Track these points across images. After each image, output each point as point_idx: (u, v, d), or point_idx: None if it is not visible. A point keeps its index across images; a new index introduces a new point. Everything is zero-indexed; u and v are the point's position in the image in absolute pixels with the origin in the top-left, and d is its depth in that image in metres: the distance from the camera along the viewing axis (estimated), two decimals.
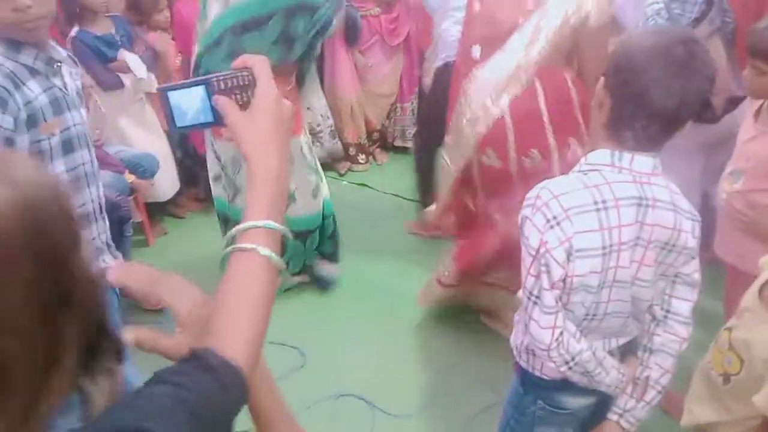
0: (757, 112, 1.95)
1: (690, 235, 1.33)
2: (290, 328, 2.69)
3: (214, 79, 0.85)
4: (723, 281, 2.25)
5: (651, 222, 1.30)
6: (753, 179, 1.91)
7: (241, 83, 0.85)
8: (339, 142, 4.49)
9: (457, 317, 2.89)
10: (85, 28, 3.31)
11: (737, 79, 2.33)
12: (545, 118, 2.29)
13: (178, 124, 0.87)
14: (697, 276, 1.39)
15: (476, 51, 2.31)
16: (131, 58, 3.38)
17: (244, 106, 0.85)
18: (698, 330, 1.44)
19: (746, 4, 2.29)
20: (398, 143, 4.72)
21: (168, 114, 0.87)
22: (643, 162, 1.31)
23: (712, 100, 2.31)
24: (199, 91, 0.85)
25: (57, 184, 0.65)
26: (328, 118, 4.35)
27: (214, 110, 0.85)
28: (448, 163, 2.46)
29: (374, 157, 4.72)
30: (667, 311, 1.41)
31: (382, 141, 4.78)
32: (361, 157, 4.61)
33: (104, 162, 3.15)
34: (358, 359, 2.70)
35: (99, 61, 3.31)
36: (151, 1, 3.70)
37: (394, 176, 4.24)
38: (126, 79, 3.40)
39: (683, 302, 1.40)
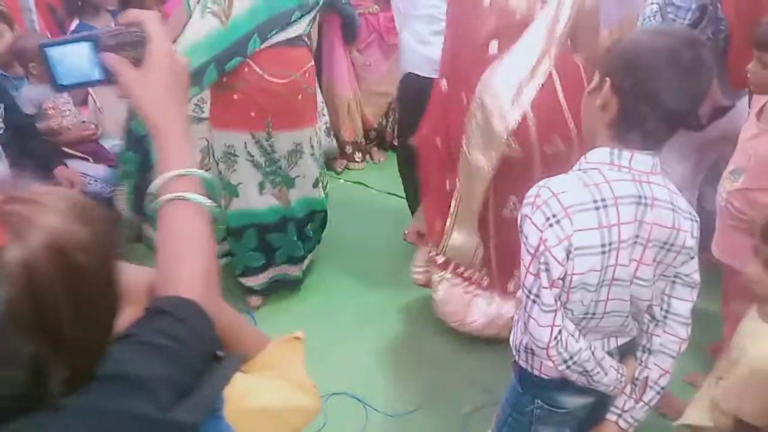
0: (760, 111, 1.95)
1: (689, 234, 1.33)
2: (283, 327, 2.67)
3: (102, 34, 0.81)
4: (720, 283, 2.26)
5: (650, 221, 1.29)
6: (754, 177, 1.91)
7: (131, 39, 0.82)
8: (334, 141, 4.47)
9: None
10: (86, 22, 3.30)
11: (724, 90, 2.35)
12: (564, 106, 2.24)
13: (61, 82, 0.83)
14: (696, 276, 1.38)
15: (494, 46, 2.25)
16: None
17: (136, 63, 0.82)
18: (696, 331, 1.44)
19: (740, 10, 2.28)
20: (396, 142, 4.70)
21: (49, 72, 0.82)
22: (643, 161, 1.30)
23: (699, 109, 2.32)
24: (85, 47, 0.81)
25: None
26: (324, 115, 4.33)
27: (103, 68, 0.82)
28: (484, 165, 2.31)
29: (371, 156, 4.71)
30: (667, 311, 1.40)
31: (379, 140, 4.76)
32: (358, 156, 4.59)
33: (98, 156, 3.14)
34: (352, 358, 2.69)
35: None
36: None
37: (392, 175, 4.19)
38: None
39: (683, 302, 1.40)
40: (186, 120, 0.85)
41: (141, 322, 0.71)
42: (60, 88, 0.84)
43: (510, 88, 2.21)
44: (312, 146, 2.87)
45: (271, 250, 2.94)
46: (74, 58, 0.81)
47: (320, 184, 3.01)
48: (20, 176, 2.01)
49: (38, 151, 2.83)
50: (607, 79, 1.29)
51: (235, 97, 2.58)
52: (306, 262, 3.13)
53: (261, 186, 2.79)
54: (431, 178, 2.62)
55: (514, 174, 2.30)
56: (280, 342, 0.94)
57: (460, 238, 2.52)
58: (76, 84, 0.84)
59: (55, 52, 0.81)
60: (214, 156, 2.76)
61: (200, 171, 0.83)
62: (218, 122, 2.68)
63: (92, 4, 3.30)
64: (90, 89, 3.37)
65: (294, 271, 3.07)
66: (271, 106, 2.63)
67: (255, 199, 2.80)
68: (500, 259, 2.55)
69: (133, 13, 0.84)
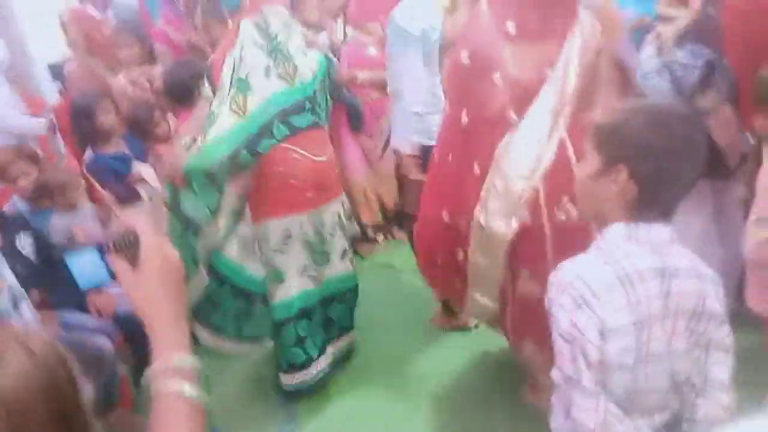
0: None
1: (714, 299, 1.34)
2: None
3: (105, 240, 0.93)
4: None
5: (676, 291, 1.31)
6: None
7: (128, 241, 0.93)
8: (356, 225, 4.52)
9: (487, 394, 2.81)
10: (99, 150, 3.43)
11: (744, 136, 2.39)
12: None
13: (83, 287, 0.94)
14: (729, 340, 1.38)
15: (511, 114, 2.22)
16: (145, 170, 3.48)
17: (133, 262, 0.93)
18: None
19: (740, 60, 2.34)
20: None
21: (70, 278, 0.94)
22: (661, 231, 1.33)
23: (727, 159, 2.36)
24: (94, 253, 0.94)
25: (63, 352, 0.78)
26: (343, 203, 4.39)
27: (110, 269, 0.93)
28: (503, 231, 2.27)
29: (392, 235, 4.76)
30: (705, 379, 1.38)
31: (398, 219, 4.81)
32: (380, 237, 4.66)
33: None
34: None
35: (115, 179, 3.38)
36: (145, 117, 3.74)
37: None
38: (142, 191, 3.46)
39: (720, 368, 1.38)
40: (180, 307, 0.95)
41: None
42: (83, 291, 0.96)
43: (529, 154, 2.19)
44: (343, 215, 3.08)
45: (324, 330, 3.00)
46: (87, 264, 0.94)
47: (347, 257, 3.10)
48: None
49: (71, 278, 2.89)
50: (622, 166, 1.31)
51: (293, 181, 2.74)
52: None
53: (304, 269, 2.87)
54: (439, 253, 2.62)
55: (525, 246, 2.28)
56: None
57: (481, 299, 2.53)
58: (95, 286, 0.96)
59: (72, 261, 0.93)
60: (263, 248, 2.81)
61: (187, 359, 0.91)
62: (275, 211, 2.77)
63: (103, 133, 3.43)
64: (118, 212, 3.50)
65: (348, 339, 3.18)
66: (319, 182, 2.84)
67: (296, 282, 2.85)
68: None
69: (126, 219, 0.97)
